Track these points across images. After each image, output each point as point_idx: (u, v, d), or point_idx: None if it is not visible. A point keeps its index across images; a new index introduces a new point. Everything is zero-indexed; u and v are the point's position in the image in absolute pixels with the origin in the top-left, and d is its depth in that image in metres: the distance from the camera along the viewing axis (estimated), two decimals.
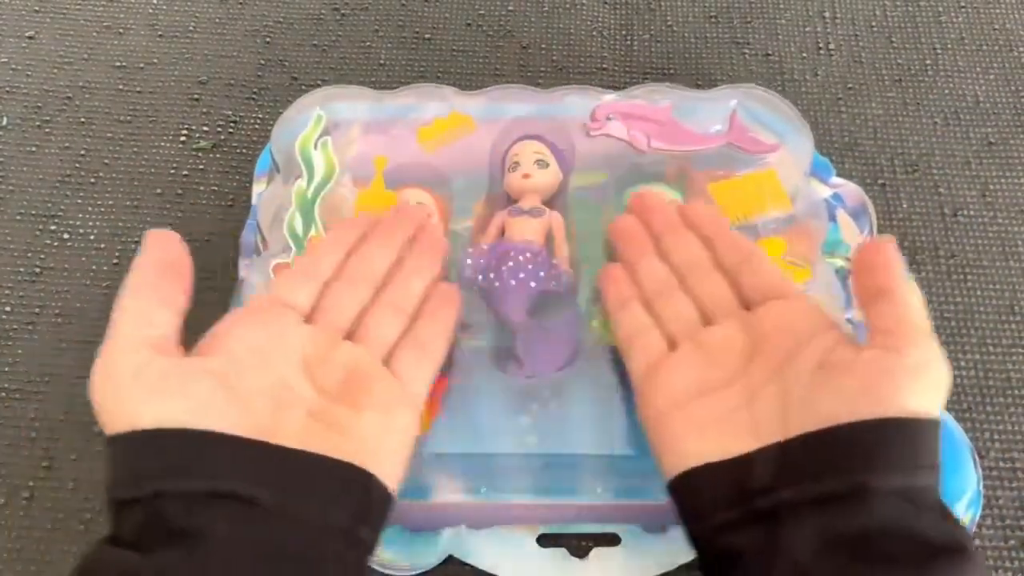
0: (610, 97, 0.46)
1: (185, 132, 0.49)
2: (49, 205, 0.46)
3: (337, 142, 0.45)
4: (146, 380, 0.29)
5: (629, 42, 0.54)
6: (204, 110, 0.50)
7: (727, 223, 0.40)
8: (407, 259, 0.38)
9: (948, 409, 0.40)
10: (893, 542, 0.27)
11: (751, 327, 0.34)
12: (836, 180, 0.47)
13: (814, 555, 0.27)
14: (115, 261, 0.45)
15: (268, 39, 0.53)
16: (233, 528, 0.27)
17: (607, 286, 0.39)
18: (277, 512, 0.28)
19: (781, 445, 0.30)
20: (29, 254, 0.45)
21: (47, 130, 0.49)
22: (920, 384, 0.29)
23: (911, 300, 0.30)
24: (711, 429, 0.32)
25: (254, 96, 0.51)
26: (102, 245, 0.45)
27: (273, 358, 0.32)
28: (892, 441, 0.28)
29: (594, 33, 0.54)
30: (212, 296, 0.41)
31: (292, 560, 0.28)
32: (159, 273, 0.31)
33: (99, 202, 0.47)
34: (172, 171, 0.48)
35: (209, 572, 0.27)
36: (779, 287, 0.35)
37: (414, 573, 0.36)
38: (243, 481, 0.28)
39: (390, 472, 0.32)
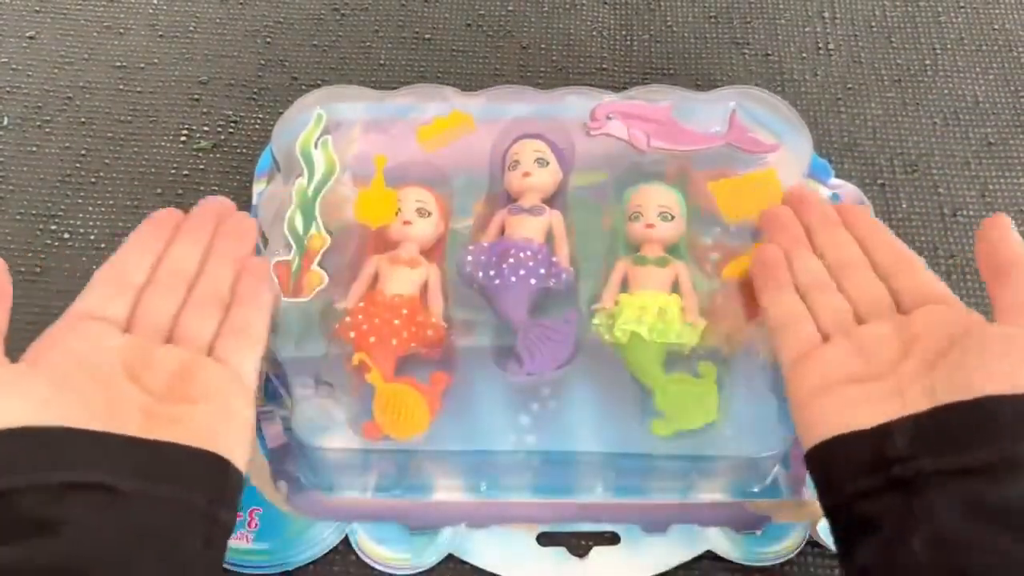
0: (610, 97, 0.46)
1: (185, 132, 0.49)
2: (49, 205, 0.47)
3: (338, 141, 0.45)
4: None
5: (629, 42, 0.54)
6: (204, 110, 0.50)
7: (883, 226, 0.39)
8: (213, 247, 0.38)
9: None
10: None
11: (905, 329, 0.34)
12: (835, 181, 0.47)
13: (958, 523, 0.27)
14: None
15: (268, 39, 0.53)
16: (94, 513, 0.28)
17: (763, 267, 0.38)
18: (137, 496, 0.28)
19: (920, 415, 0.30)
20: (30, 254, 0.45)
21: (47, 130, 0.49)
22: None
23: None
24: (856, 406, 0.32)
25: (254, 96, 0.51)
26: (102, 245, 0.45)
27: (96, 366, 0.32)
28: None
29: (594, 33, 0.54)
30: None
31: (155, 539, 0.28)
32: None
33: (99, 202, 0.47)
34: (172, 171, 0.48)
35: (74, 555, 0.27)
36: (936, 292, 0.35)
37: (414, 572, 0.36)
38: (100, 470, 0.28)
39: (238, 456, 0.32)
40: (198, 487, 0.30)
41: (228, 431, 0.32)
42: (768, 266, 0.38)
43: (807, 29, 0.54)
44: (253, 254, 0.39)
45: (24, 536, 0.27)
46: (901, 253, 0.37)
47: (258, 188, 0.46)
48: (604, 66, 0.52)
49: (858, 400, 0.32)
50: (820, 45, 0.53)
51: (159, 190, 0.47)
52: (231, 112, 0.50)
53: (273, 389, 0.40)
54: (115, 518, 0.28)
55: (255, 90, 0.51)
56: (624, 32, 0.54)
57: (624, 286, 0.40)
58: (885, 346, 0.34)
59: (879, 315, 0.35)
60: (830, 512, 0.32)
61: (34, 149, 0.48)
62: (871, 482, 0.30)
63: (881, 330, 0.34)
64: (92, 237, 0.45)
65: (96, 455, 0.29)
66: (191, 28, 0.54)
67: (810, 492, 0.38)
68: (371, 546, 0.37)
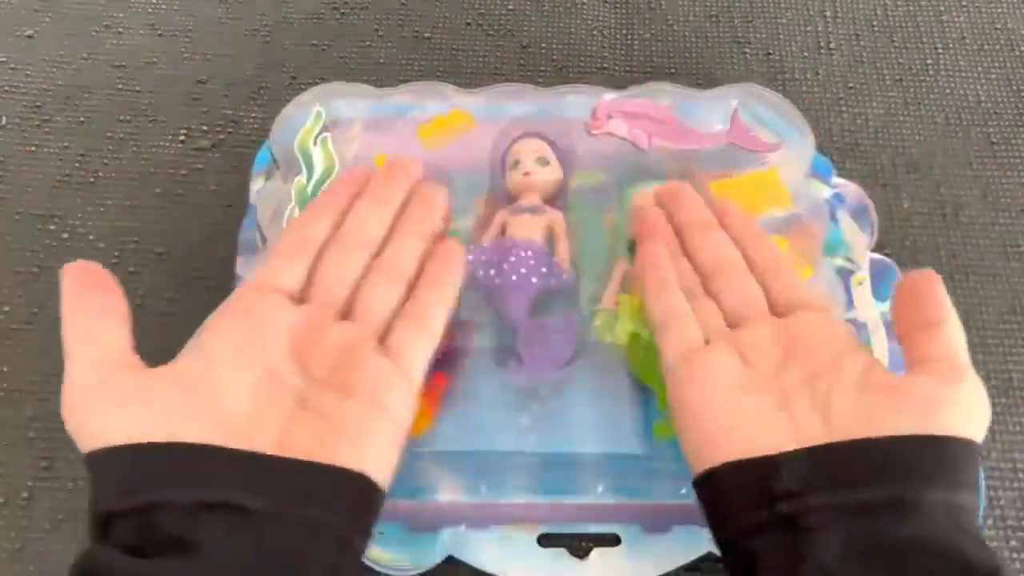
0: (611, 96, 0.46)
1: (185, 132, 0.49)
2: (49, 205, 0.46)
3: (337, 139, 0.44)
4: (107, 395, 0.29)
5: (630, 41, 0.53)
6: (204, 110, 0.50)
7: (755, 221, 0.38)
8: (402, 217, 0.35)
9: None
10: (932, 559, 0.26)
11: (782, 333, 0.33)
12: (837, 180, 0.47)
13: (841, 562, 0.26)
14: (115, 261, 0.45)
15: (268, 39, 0.53)
16: (228, 536, 0.27)
17: (646, 267, 0.37)
18: (271, 520, 0.27)
19: (811, 450, 0.29)
20: (28, 253, 0.45)
21: (47, 130, 0.49)
22: (968, 415, 0.29)
23: (958, 335, 0.31)
24: (748, 426, 0.30)
25: (254, 96, 0.51)
26: (102, 245, 0.45)
27: (256, 350, 0.31)
28: (936, 456, 0.28)
29: (594, 32, 0.54)
30: (212, 296, 0.40)
31: (286, 568, 0.27)
32: (88, 290, 0.30)
33: (99, 202, 0.47)
34: (172, 171, 0.48)
35: None
36: (808, 298, 0.35)
37: (414, 573, 0.36)
38: (234, 490, 0.27)
39: (382, 464, 0.30)
40: (335, 511, 0.28)
41: (379, 434, 0.30)
42: (653, 266, 0.37)
43: (808, 28, 0.54)
44: (444, 228, 0.36)
45: (161, 551, 0.26)
46: (775, 255, 0.36)
47: (255, 186, 0.46)
48: (605, 65, 0.52)
49: (750, 416, 0.30)
50: (821, 44, 0.53)
51: (159, 190, 0.47)
52: (230, 111, 0.50)
53: None
54: (247, 541, 0.27)
55: (254, 89, 0.51)
56: (625, 31, 0.54)
57: (625, 286, 0.40)
58: (766, 351, 0.32)
59: (756, 318, 0.34)
60: (720, 545, 0.31)
61: (33, 149, 0.48)
62: (757, 517, 0.29)
63: (760, 333, 0.33)
64: (91, 237, 0.45)
65: (232, 474, 0.28)
66: (191, 28, 0.53)
67: None
68: (370, 547, 0.37)
